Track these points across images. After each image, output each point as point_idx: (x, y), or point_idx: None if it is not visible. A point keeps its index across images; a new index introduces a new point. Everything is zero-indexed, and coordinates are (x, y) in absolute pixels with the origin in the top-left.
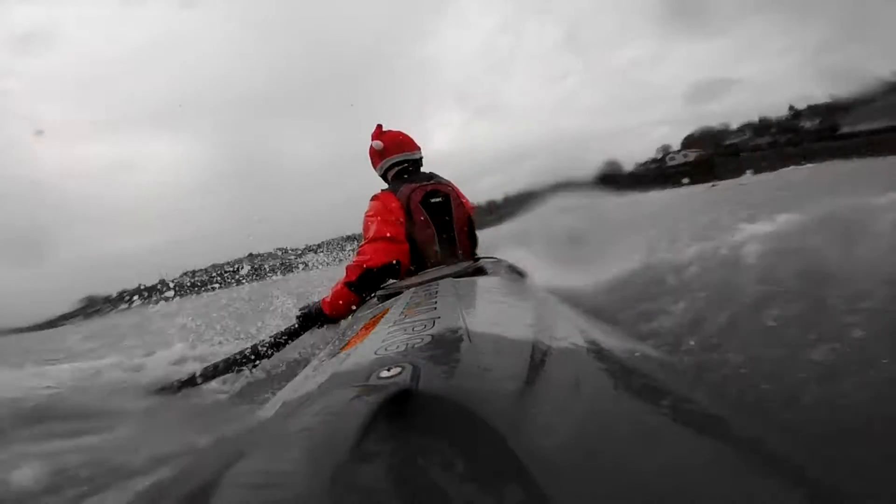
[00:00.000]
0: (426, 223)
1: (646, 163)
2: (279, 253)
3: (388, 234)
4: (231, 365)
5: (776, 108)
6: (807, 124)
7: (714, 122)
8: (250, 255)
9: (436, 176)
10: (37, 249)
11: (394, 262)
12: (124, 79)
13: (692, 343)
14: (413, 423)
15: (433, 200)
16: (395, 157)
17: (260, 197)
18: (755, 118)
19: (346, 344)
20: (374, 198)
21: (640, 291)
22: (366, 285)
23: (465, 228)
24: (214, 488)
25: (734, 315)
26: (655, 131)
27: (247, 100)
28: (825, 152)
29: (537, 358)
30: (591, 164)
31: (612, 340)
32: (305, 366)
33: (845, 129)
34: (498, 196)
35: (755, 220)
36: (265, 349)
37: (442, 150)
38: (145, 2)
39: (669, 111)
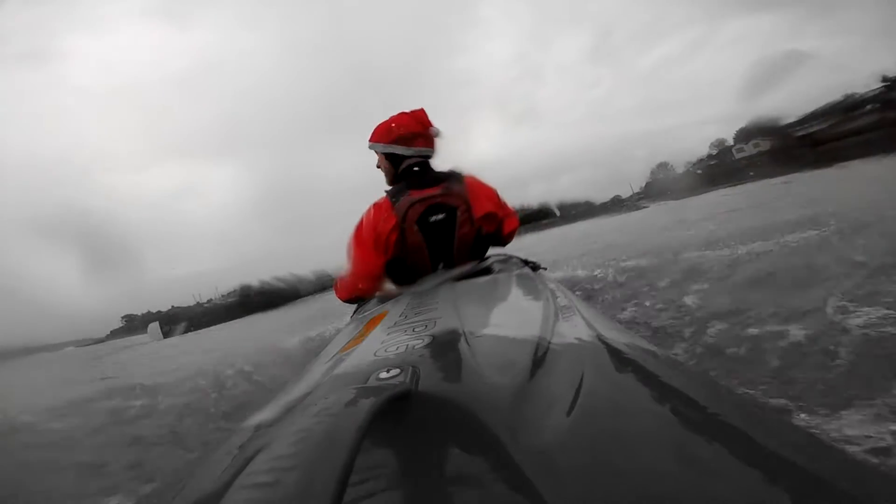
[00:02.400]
0: (420, 245)
1: (698, 161)
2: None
3: (362, 272)
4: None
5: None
6: None
7: (772, 113)
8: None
9: (451, 178)
10: (107, 270)
11: (362, 293)
12: (178, 107)
13: None
14: (412, 424)
15: (433, 219)
16: (425, 149)
17: (305, 218)
18: (824, 100)
19: (346, 345)
20: (371, 208)
21: None
22: (350, 302)
23: (470, 245)
24: (214, 489)
25: None
26: (701, 130)
27: (295, 122)
28: None
29: (537, 358)
30: (640, 168)
31: (615, 338)
32: (305, 367)
33: None
34: (552, 200)
35: None
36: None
37: (486, 159)
38: (193, 27)
39: (715, 107)
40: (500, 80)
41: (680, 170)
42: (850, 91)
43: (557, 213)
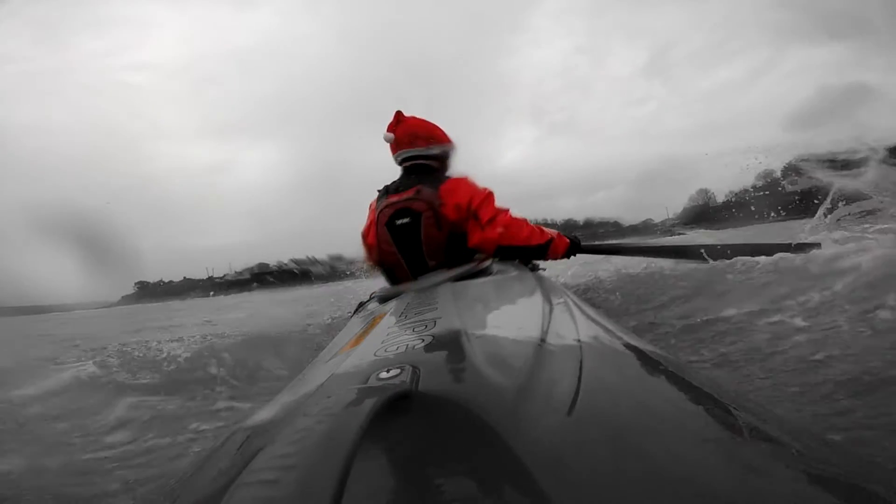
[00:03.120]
0: (388, 246)
1: (742, 191)
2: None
3: (367, 255)
4: None
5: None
6: None
7: (826, 148)
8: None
9: (429, 182)
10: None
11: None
12: (228, 84)
13: None
14: (412, 425)
15: (399, 222)
16: (405, 151)
17: (333, 205)
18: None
19: (346, 345)
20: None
21: None
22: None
23: (443, 249)
24: (215, 489)
25: None
26: (747, 159)
27: (335, 109)
28: None
29: (538, 358)
30: (677, 192)
31: (613, 338)
32: (305, 367)
33: None
34: (579, 217)
35: None
36: None
37: (514, 167)
38: (257, 7)
39: (764, 137)
40: (543, 89)
41: (720, 198)
42: None
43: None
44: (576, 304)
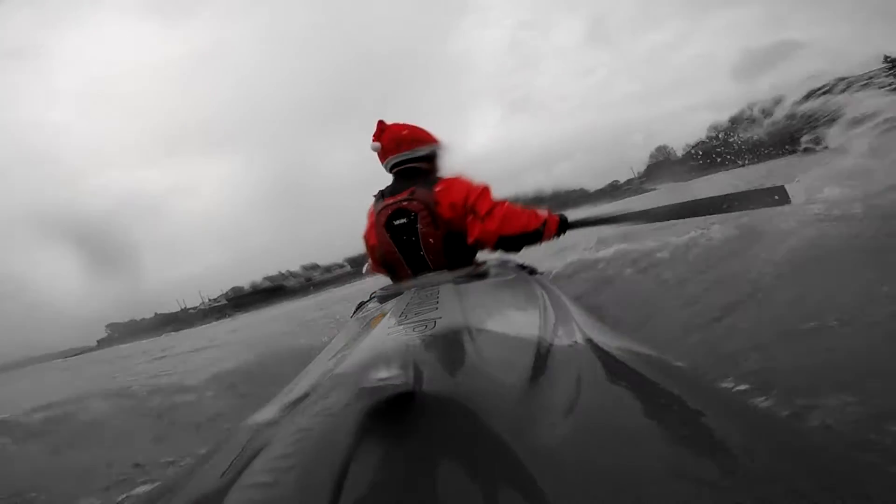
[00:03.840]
0: (388, 246)
1: (698, 144)
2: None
3: (371, 256)
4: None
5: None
6: None
7: (770, 96)
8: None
9: (423, 183)
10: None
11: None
12: (169, 101)
13: None
14: (413, 424)
15: (396, 223)
16: (393, 157)
17: (302, 213)
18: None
19: (347, 344)
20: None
21: None
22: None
23: (440, 247)
24: (215, 489)
25: None
26: (694, 115)
27: (287, 115)
28: None
29: (537, 359)
30: (636, 153)
31: (611, 340)
32: (305, 367)
33: None
34: (547, 189)
35: None
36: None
37: (481, 150)
38: (181, 23)
39: (706, 93)
40: (497, 68)
41: (679, 153)
42: (841, 76)
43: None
44: (574, 306)
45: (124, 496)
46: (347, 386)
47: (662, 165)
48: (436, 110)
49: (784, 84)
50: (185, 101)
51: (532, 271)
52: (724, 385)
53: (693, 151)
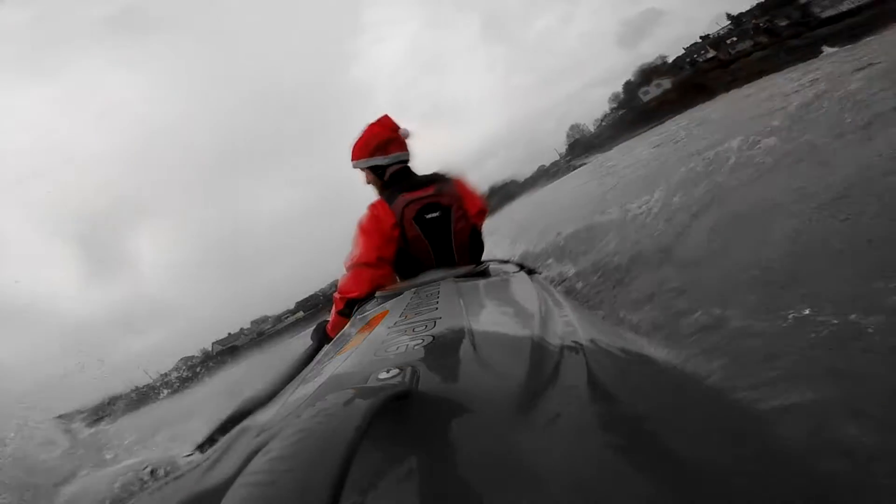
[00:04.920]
0: (420, 240)
1: (604, 116)
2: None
3: (373, 259)
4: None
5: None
6: (780, 23)
7: (654, 58)
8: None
9: (439, 179)
10: None
11: (372, 290)
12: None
13: None
14: (411, 425)
15: (429, 216)
16: (393, 155)
17: (242, 264)
18: (689, 42)
19: (346, 345)
20: (370, 207)
21: None
22: (354, 308)
23: (467, 242)
24: (213, 489)
25: None
26: (592, 92)
27: (205, 168)
28: (821, 41)
29: (536, 360)
30: (553, 137)
31: (616, 341)
32: (306, 368)
33: (826, 14)
34: (483, 187)
35: None
36: (294, 373)
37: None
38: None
39: (597, 70)
40: (401, 81)
41: (592, 128)
42: (703, 33)
43: None
44: (574, 306)
45: (126, 494)
46: (347, 386)
47: (581, 142)
48: (348, 134)
49: (663, 46)
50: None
51: (531, 271)
52: (725, 385)
53: (603, 123)
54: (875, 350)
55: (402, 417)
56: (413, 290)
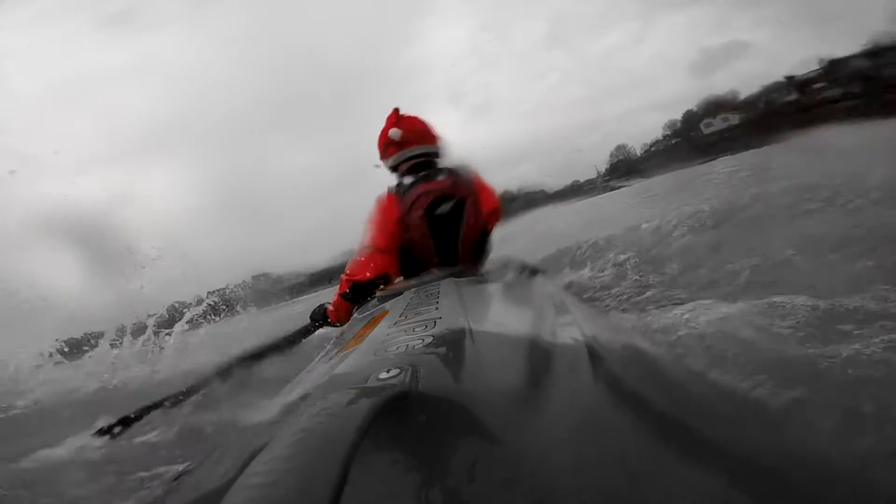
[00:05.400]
0: (424, 234)
1: (655, 143)
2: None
3: (379, 246)
4: (253, 357)
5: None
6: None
7: (724, 91)
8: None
9: (458, 173)
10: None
11: (380, 275)
12: (111, 108)
13: None
14: (412, 425)
15: (440, 210)
16: (412, 149)
17: (256, 219)
18: (767, 81)
19: (346, 345)
20: (378, 200)
21: None
22: (359, 294)
23: (476, 239)
24: (214, 489)
25: None
26: (648, 116)
27: (240, 120)
28: None
29: (538, 359)
30: (594, 154)
31: (616, 340)
32: (305, 367)
33: None
34: (513, 188)
35: None
36: (282, 343)
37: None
38: (130, 23)
39: (659, 94)
40: (457, 71)
41: (638, 151)
42: (789, 74)
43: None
44: (574, 306)
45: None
46: (347, 386)
47: (624, 164)
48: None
49: (738, 80)
50: (125, 107)
51: (534, 271)
52: (726, 383)
53: (652, 149)
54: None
55: (402, 417)
56: (413, 290)
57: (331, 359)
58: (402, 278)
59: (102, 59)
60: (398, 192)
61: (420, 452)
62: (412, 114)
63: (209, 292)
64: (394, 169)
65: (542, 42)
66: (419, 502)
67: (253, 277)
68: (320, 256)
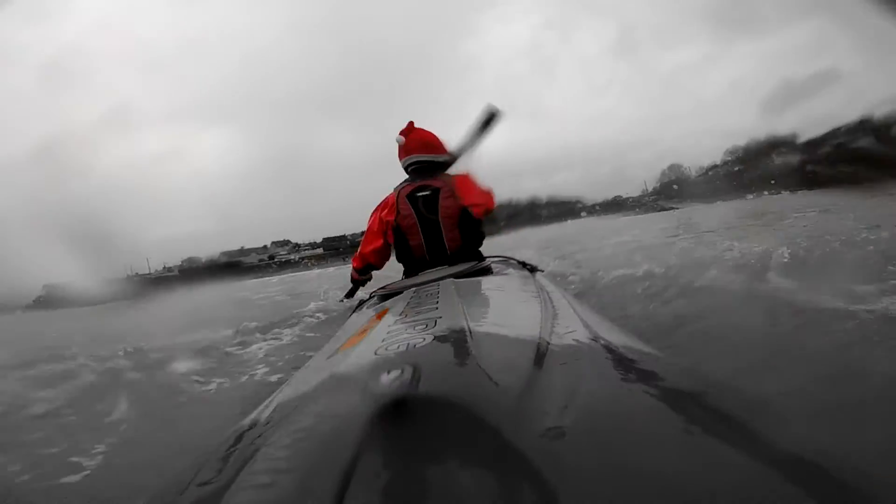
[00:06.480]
0: (410, 216)
1: (713, 167)
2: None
3: (364, 251)
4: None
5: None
6: None
7: (786, 131)
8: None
9: (443, 176)
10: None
11: (363, 268)
12: (175, 70)
13: None
14: (412, 425)
15: (420, 194)
16: (414, 156)
17: (298, 190)
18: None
19: (346, 343)
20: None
21: None
22: (359, 274)
23: (455, 221)
24: (214, 489)
25: None
26: (706, 140)
27: (292, 97)
28: None
29: (538, 358)
30: (641, 170)
31: (612, 338)
32: (304, 365)
33: None
34: (542, 195)
35: None
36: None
37: (482, 152)
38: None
39: (728, 120)
40: (508, 71)
41: (693, 173)
42: (867, 113)
43: None
44: (574, 305)
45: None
46: (347, 386)
47: (677, 184)
48: (439, 106)
49: (804, 121)
50: (195, 71)
51: (533, 269)
52: (727, 380)
53: (709, 173)
54: None
55: (402, 417)
56: (413, 289)
57: (331, 357)
58: (403, 273)
59: (174, 30)
60: (396, 188)
61: (420, 452)
62: (426, 128)
63: (221, 252)
64: (405, 170)
65: (605, 50)
66: (420, 502)
67: (273, 243)
68: (339, 227)
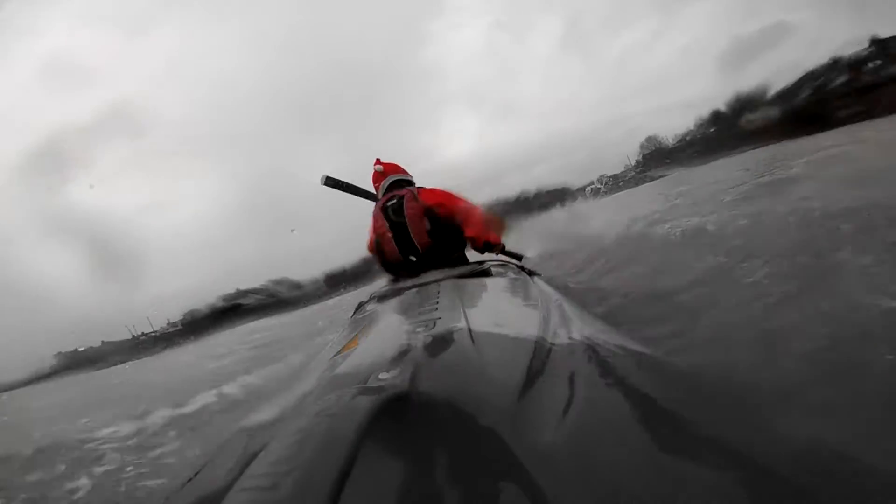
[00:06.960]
0: (382, 224)
1: (688, 133)
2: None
3: (369, 245)
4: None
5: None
6: None
7: (753, 87)
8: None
9: (409, 187)
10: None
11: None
12: (140, 114)
13: None
14: (411, 425)
15: (389, 203)
16: (391, 176)
17: (280, 225)
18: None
19: (346, 345)
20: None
21: None
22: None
23: (421, 221)
24: (215, 490)
25: None
26: (679, 111)
27: (265, 122)
28: None
29: (535, 360)
30: (619, 149)
31: (608, 340)
32: (305, 367)
33: None
34: (530, 189)
35: None
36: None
37: (461, 157)
38: (150, 32)
39: (691, 87)
40: (473, 74)
41: (669, 143)
42: (836, 55)
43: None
44: (572, 306)
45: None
46: (347, 387)
47: (658, 154)
48: (411, 118)
49: (770, 73)
50: (154, 111)
51: (532, 272)
52: (724, 383)
53: (687, 139)
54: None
55: (402, 417)
56: (413, 290)
57: (331, 358)
58: (390, 281)
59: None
60: (379, 201)
61: (420, 452)
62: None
63: (219, 297)
64: (384, 192)
65: (559, 41)
66: (419, 501)
67: (271, 281)
68: (337, 262)
